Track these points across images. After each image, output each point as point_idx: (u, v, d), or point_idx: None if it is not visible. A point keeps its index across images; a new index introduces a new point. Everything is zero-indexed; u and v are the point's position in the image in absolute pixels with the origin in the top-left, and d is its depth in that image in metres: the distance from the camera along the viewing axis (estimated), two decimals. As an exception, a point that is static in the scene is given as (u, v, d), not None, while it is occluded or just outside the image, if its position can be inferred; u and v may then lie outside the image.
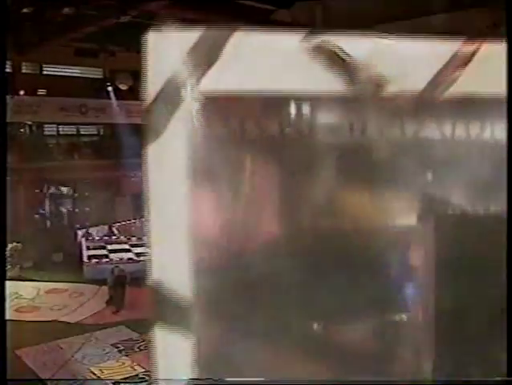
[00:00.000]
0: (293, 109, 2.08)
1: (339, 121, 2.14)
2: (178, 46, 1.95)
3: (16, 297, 14.15)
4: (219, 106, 2.05)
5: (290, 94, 1.86)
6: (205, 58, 1.79)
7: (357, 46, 0.94)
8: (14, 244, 16.57)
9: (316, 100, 2.06)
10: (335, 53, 0.95)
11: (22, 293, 14.77)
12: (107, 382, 10.62)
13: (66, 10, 14.33)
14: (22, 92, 20.55)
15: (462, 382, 3.06)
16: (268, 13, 20.36)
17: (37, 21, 17.58)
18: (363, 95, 1.55)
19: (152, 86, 2.03)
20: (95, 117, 23.83)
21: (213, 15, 18.53)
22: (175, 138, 2.02)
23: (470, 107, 2.19)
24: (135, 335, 11.84)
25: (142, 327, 12.00)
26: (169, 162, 2.04)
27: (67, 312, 13.40)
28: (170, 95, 1.99)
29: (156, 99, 2.00)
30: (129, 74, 22.21)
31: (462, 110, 2.23)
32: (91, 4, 14.79)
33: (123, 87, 21.95)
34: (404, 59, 1.01)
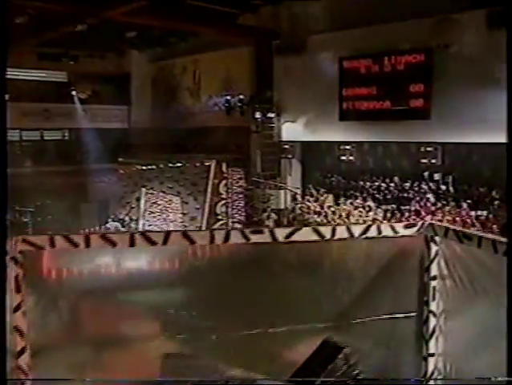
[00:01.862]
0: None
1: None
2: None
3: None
4: None
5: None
6: None
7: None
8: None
9: None
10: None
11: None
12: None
13: (20, 19, 14.05)
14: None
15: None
16: (233, 17, 20.17)
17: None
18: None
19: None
20: (59, 122, 23.53)
21: (176, 21, 18.36)
22: None
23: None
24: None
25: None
26: None
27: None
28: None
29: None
30: (88, 83, 22.05)
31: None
32: (48, 13, 14.54)
33: (82, 96, 21.70)
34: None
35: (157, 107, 25.02)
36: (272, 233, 4.11)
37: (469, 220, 15.80)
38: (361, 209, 18.21)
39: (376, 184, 18.78)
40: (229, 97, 21.32)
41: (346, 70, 18.05)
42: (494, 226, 15.24)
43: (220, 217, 20.67)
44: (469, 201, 16.16)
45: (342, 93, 18.22)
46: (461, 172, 16.72)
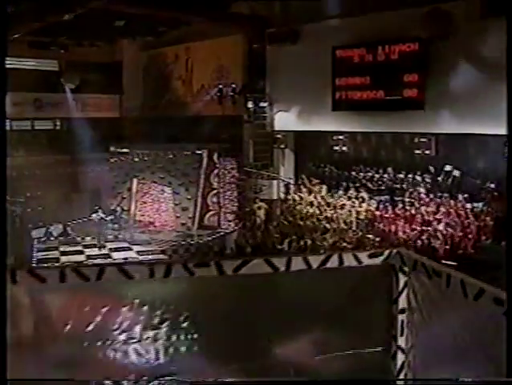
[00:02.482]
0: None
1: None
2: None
3: None
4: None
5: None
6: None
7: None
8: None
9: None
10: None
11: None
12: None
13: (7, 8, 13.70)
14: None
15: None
16: (226, 4, 19.82)
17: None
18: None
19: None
20: (50, 112, 23.22)
21: (165, 10, 18.01)
22: None
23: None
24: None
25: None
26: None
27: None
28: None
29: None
30: (79, 72, 21.71)
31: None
32: (35, 2, 14.24)
33: (70, 86, 21.35)
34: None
35: (149, 96, 24.69)
36: (219, 266, 3.70)
37: (462, 213, 15.62)
38: (354, 200, 18.03)
39: (370, 174, 18.58)
40: (221, 86, 20.99)
41: (339, 59, 17.74)
42: (488, 218, 15.08)
43: (211, 208, 20.46)
44: (465, 194, 15.99)
45: (335, 82, 17.94)
46: (456, 163, 16.49)
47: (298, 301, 3.69)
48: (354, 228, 17.20)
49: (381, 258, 3.80)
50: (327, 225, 17.48)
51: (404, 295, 3.75)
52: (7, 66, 15.69)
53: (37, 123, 23.39)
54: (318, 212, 18.33)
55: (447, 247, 14.65)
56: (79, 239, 19.61)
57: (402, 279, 3.79)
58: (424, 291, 3.51)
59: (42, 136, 23.50)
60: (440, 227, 15.32)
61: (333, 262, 3.73)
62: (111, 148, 22.51)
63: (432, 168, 17.02)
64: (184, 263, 3.59)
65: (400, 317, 3.75)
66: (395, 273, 3.79)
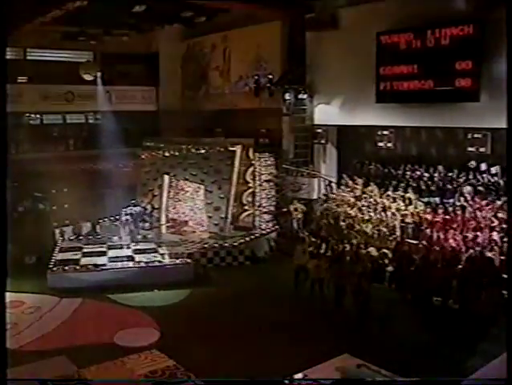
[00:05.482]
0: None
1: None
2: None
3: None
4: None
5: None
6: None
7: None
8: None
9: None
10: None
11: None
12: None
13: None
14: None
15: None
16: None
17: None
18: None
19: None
20: (83, 105, 22.32)
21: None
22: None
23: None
24: (72, 369, 10.13)
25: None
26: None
27: (13, 333, 11.78)
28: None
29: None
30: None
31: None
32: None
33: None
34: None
35: (186, 88, 23.61)
36: None
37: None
38: (400, 202, 16.34)
39: (418, 173, 16.88)
40: (257, 76, 19.56)
41: (384, 46, 16.15)
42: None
43: (246, 208, 19.09)
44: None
45: (379, 72, 16.33)
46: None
47: None
48: (398, 232, 15.53)
49: None
50: (367, 229, 15.87)
51: None
52: (41, 58, 15.06)
53: (68, 116, 22.58)
54: (359, 214, 16.71)
55: (502, 258, 12.81)
56: (105, 239, 18.58)
57: None
58: None
59: (74, 130, 22.77)
60: (495, 234, 13.52)
61: None
62: (146, 143, 21.44)
63: (487, 168, 15.24)
64: None
65: None
66: None
